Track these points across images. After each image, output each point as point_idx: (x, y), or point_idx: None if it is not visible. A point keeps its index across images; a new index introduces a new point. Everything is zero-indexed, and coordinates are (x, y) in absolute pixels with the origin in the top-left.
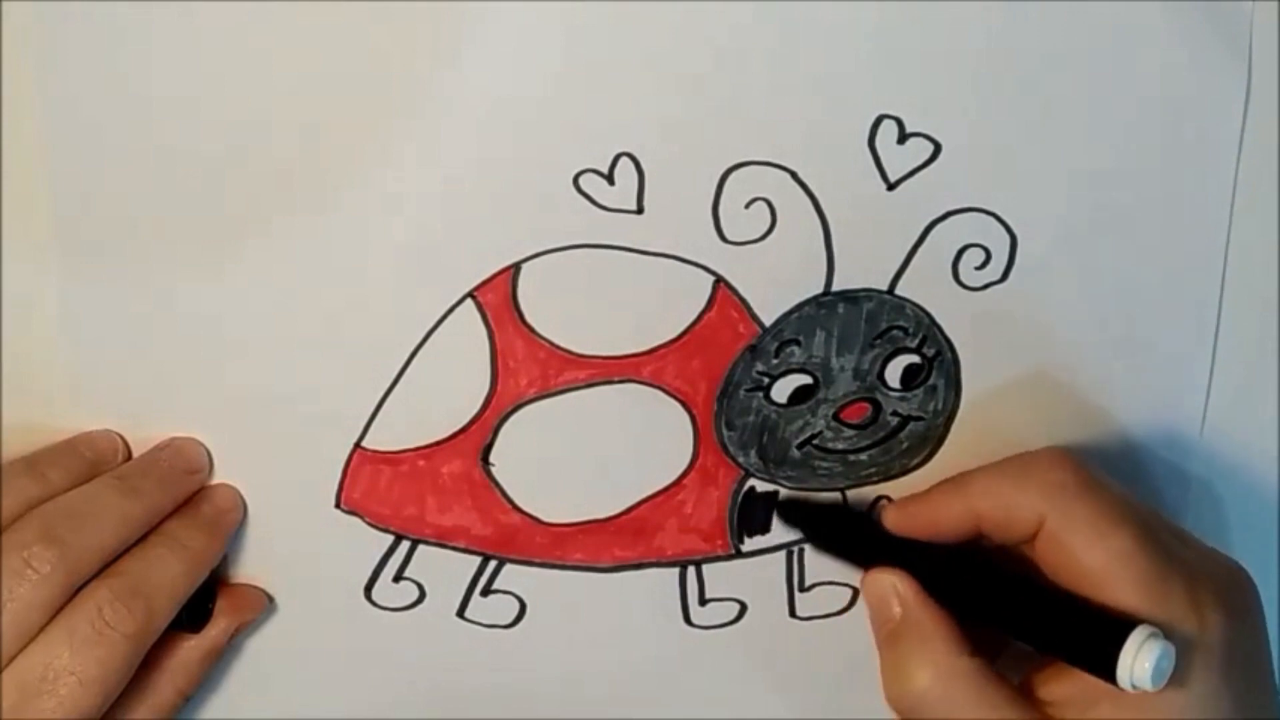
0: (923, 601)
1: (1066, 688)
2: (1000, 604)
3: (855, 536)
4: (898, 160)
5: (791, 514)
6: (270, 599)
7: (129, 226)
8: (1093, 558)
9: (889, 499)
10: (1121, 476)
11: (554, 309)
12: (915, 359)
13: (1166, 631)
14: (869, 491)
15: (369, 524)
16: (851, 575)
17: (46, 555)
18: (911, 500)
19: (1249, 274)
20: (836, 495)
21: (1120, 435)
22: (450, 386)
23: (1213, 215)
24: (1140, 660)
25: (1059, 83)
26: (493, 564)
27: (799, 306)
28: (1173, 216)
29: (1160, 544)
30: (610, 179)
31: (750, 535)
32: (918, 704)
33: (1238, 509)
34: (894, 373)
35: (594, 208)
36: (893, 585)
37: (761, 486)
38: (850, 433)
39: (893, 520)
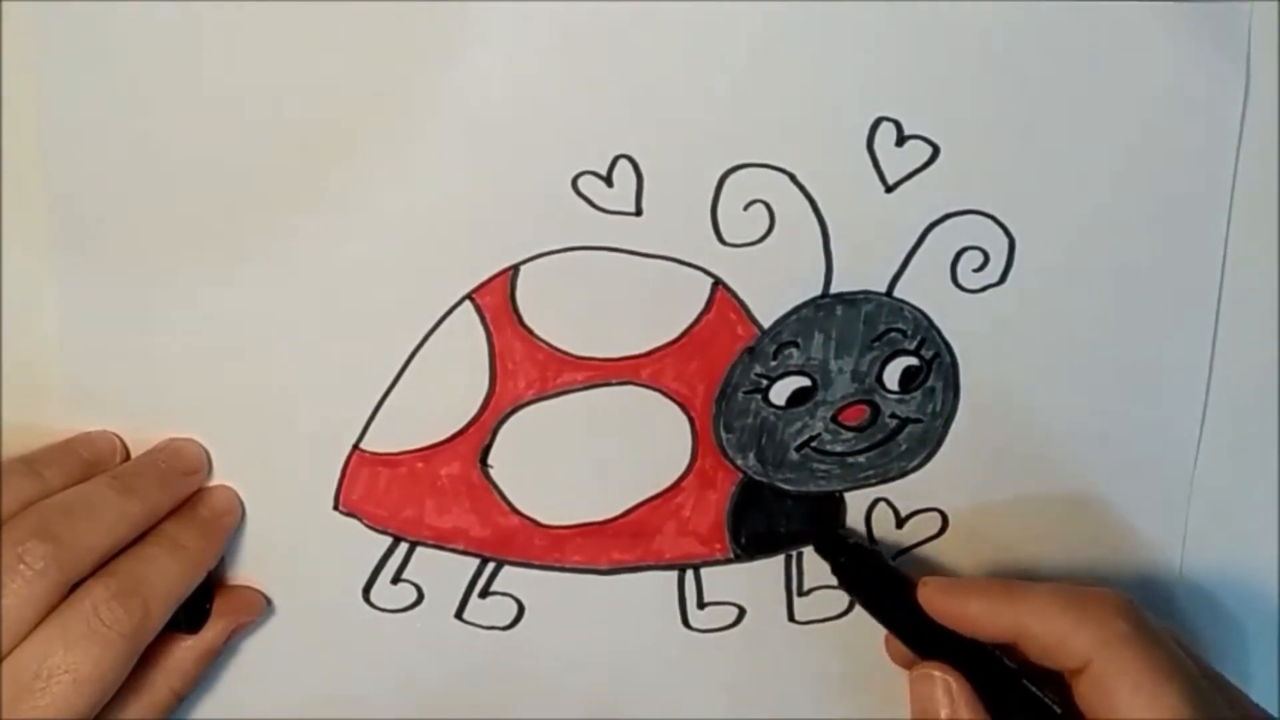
0: (974, 705)
1: None
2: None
3: (892, 598)
4: (896, 162)
5: (847, 574)
6: (268, 600)
7: (128, 228)
8: (1135, 711)
9: (922, 580)
10: (1119, 478)
11: (553, 311)
12: (914, 361)
13: None
14: (868, 493)
15: (367, 526)
16: None
17: (41, 552)
18: (953, 589)
19: (1248, 274)
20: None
21: (1119, 435)
22: (449, 388)
23: (1211, 216)
24: None
25: (1057, 85)
26: (491, 566)
27: (797, 308)
28: (1171, 218)
29: (1206, 706)
30: (609, 181)
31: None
32: None
33: (1238, 509)
34: (892, 375)
35: (592, 210)
36: (945, 685)
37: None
38: (849, 435)
39: (930, 602)
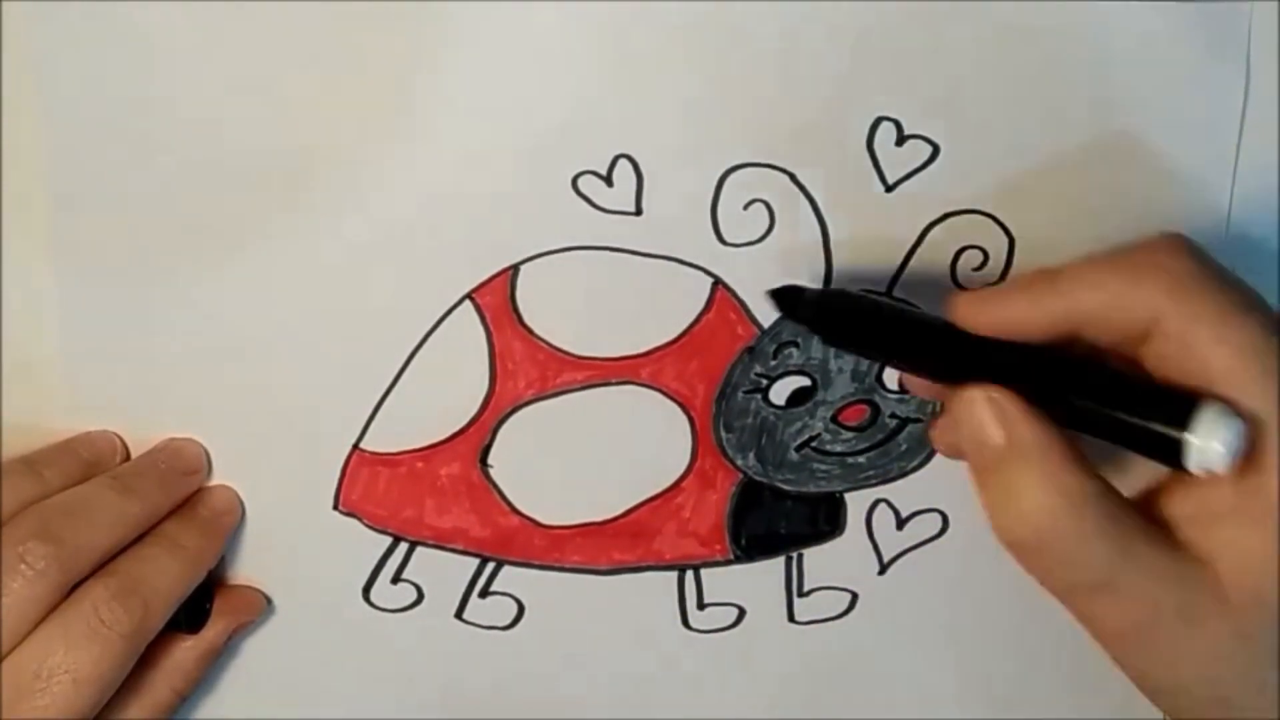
0: (1033, 419)
1: (1185, 504)
2: (1089, 394)
3: (894, 333)
4: (896, 162)
5: (807, 309)
6: (268, 600)
7: (128, 228)
8: (1219, 354)
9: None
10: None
11: (552, 311)
12: None
13: None
14: (868, 493)
15: (367, 525)
16: (852, 580)
17: (41, 551)
18: (990, 293)
19: (1247, 275)
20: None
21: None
22: (449, 388)
23: (1210, 216)
24: (1211, 442)
25: (1057, 84)
26: (491, 566)
27: None
28: (1170, 218)
29: None
30: (609, 181)
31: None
32: (1038, 532)
33: None
34: (892, 375)
35: (592, 209)
36: (988, 404)
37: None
38: (849, 435)
39: (965, 315)
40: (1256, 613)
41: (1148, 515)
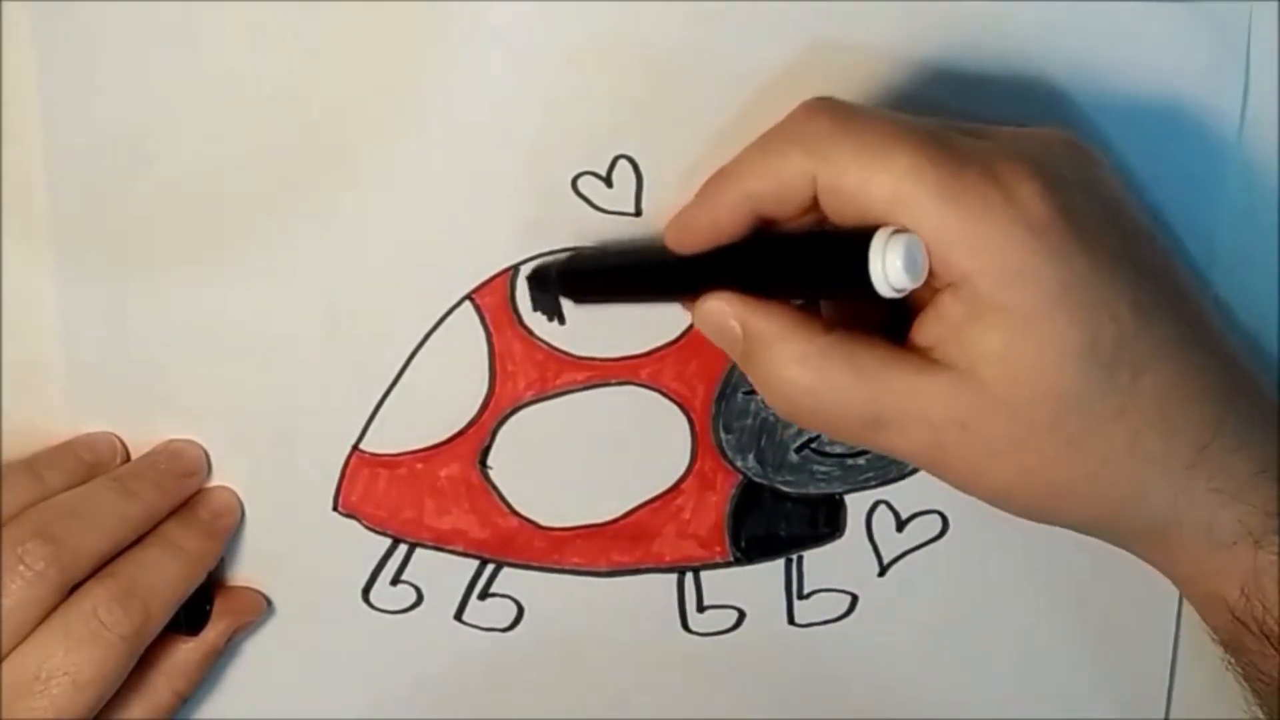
0: (755, 306)
1: (933, 329)
2: (778, 265)
3: (626, 275)
4: None
5: (549, 283)
6: (268, 601)
7: (128, 228)
8: (876, 190)
9: None
10: None
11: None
12: None
13: (975, 219)
14: (868, 495)
15: (367, 527)
16: (852, 582)
17: (41, 553)
18: (684, 212)
19: (1247, 277)
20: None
21: None
22: (448, 389)
23: (1210, 216)
24: (890, 261)
25: (1057, 83)
26: (490, 567)
27: None
28: (1170, 217)
29: (948, 146)
30: (608, 181)
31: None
32: (801, 401)
33: None
34: None
35: (592, 210)
36: (719, 309)
37: None
38: None
39: (675, 238)
40: (1032, 400)
41: (910, 352)
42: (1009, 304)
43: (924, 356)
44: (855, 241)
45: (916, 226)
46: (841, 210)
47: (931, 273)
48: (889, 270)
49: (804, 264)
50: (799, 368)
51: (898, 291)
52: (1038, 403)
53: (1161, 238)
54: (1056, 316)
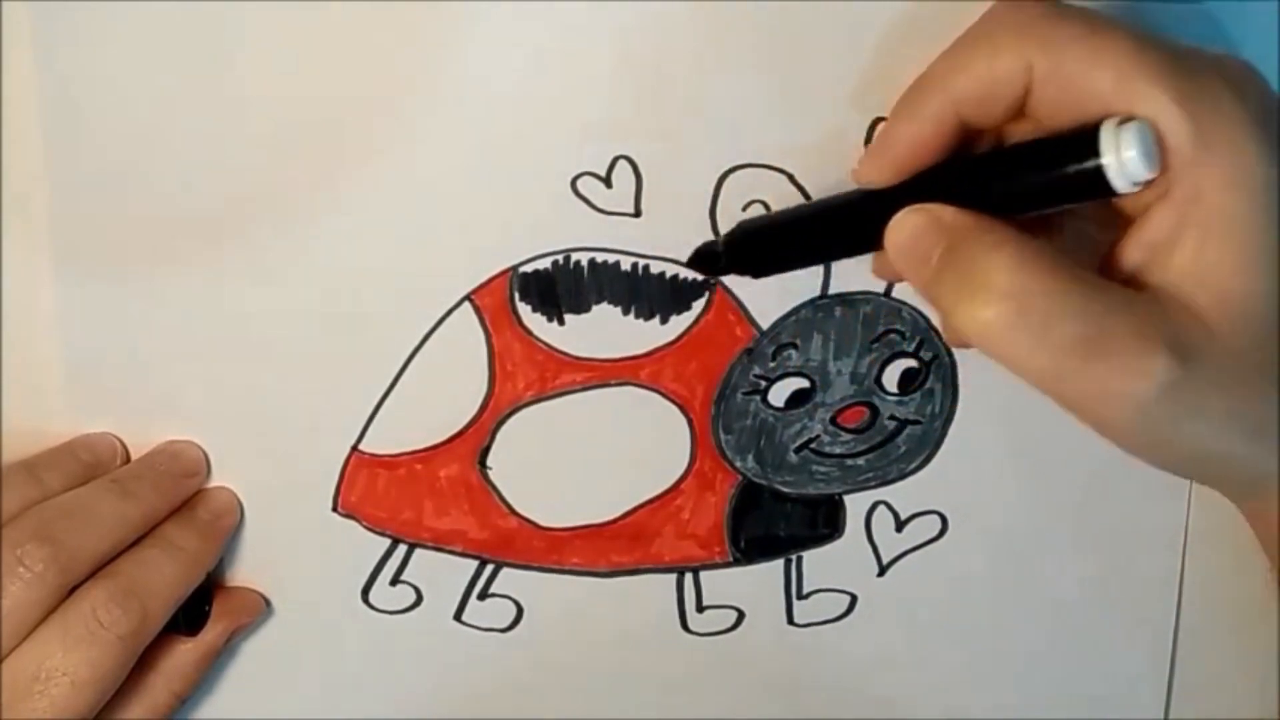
0: (962, 212)
1: (1136, 255)
2: (994, 176)
3: (811, 229)
4: None
5: (722, 256)
6: (267, 602)
7: (128, 228)
8: (1099, 76)
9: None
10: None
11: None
12: (913, 363)
13: (1207, 111)
14: (868, 495)
15: (366, 527)
16: (851, 582)
17: (40, 554)
18: (878, 138)
19: None
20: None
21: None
22: (447, 390)
23: None
24: (1125, 150)
25: None
26: (490, 568)
27: (796, 310)
28: None
29: (1165, 39)
30: (608, 182)
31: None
32: (1019, 298)
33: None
34: (891, 377)
35: (592, 210)
36: (924, 210)
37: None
38: (847, 437)
39: (870, 168)
40: (1239, 319)
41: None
42: (1232, 208)
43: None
44: (1083, 135)
45: (1147, 115)
46: (1059, 105)
47: (1146, 185)
48: (1124, 160)
49: (1024, 171)
50: (1013, 258)
51: (1136, 185)
52: (1248, 324)
53: None
54: (1273, 226)
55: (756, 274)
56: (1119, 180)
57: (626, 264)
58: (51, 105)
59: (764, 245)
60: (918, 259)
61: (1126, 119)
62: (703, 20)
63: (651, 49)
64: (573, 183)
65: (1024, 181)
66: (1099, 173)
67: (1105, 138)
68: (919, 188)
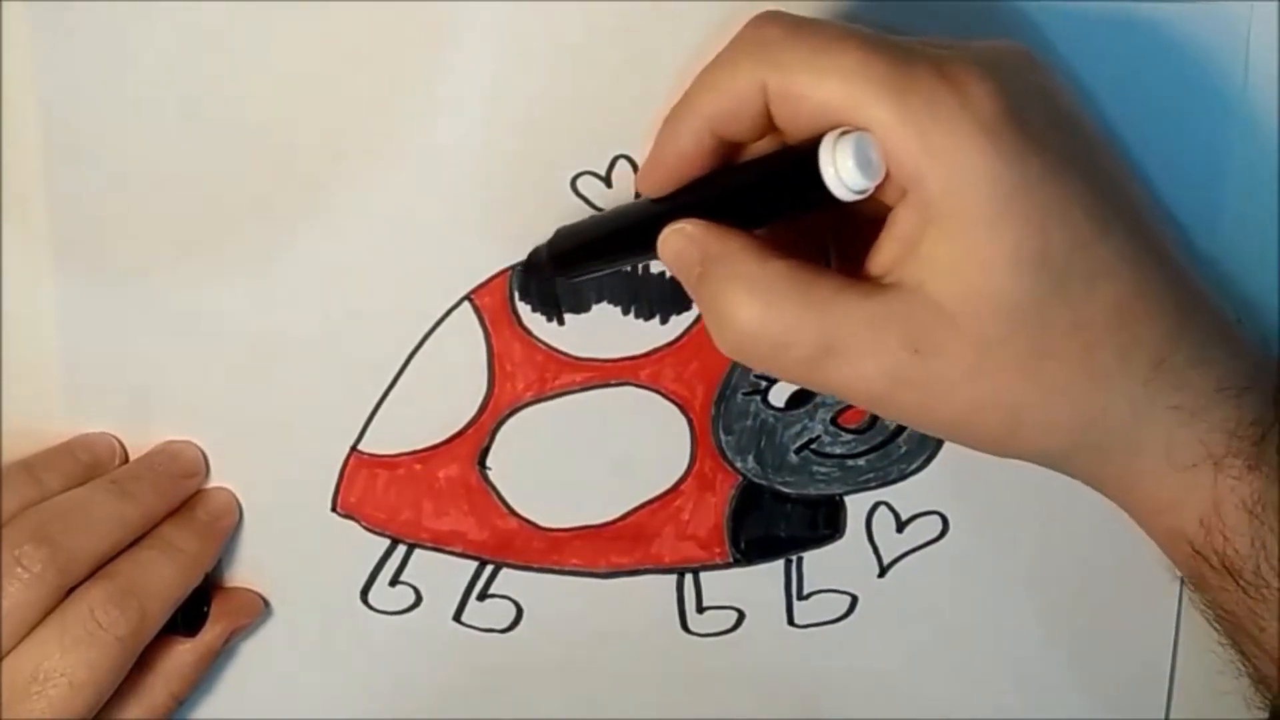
0: (713, 228)
1: (888, 252)
2: (735, 185)
3: (607, 236)
4: None
5: (543, 263)
6: (266, 603)
7: (128, 229)
8: (825, 91)
9: None
10: None
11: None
12: None
13: (927, 117)
14: (868, 496)
15: (365, 528)
16: (852, 583)
17: (38, 555)
18: (650, 152)
19: (1247, 275)
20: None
21: None
22: (447, 390)
23: (1209, 216)
24: (841, 161)
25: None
26: (489, 568)
27: None
28: (1169, 215)
29: (899, 47)
30: (608, 181)
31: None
32: (746, 330)
33: None
34: None
35: (592, 210)
36: (678, 230)
37: None
38: (848, 437)
39: (644, 179)
40: (982, 313)
41: (863, 282)
42: (959, 207)
43: (877, 284)
44: (806, 147)
45: (868, 126)
46: (796, 120)
47: (882, 188)
48: (841, 170)
49: (760, 180)
50: (746, 294)
51: (856, 193)
52: (989, 316)
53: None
54: (1008, 220)
55: (570, 277)
56: (838, 189)
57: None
58: (51, 106)
59: (572, 250)
60: (682, 277)
61: (847, 131)
62: (703, 19)
63: (652, 49)
64: (573, 182)
65: (760, 195)
66: (821, 183)
67: (824, 150)
68: (685, 199)
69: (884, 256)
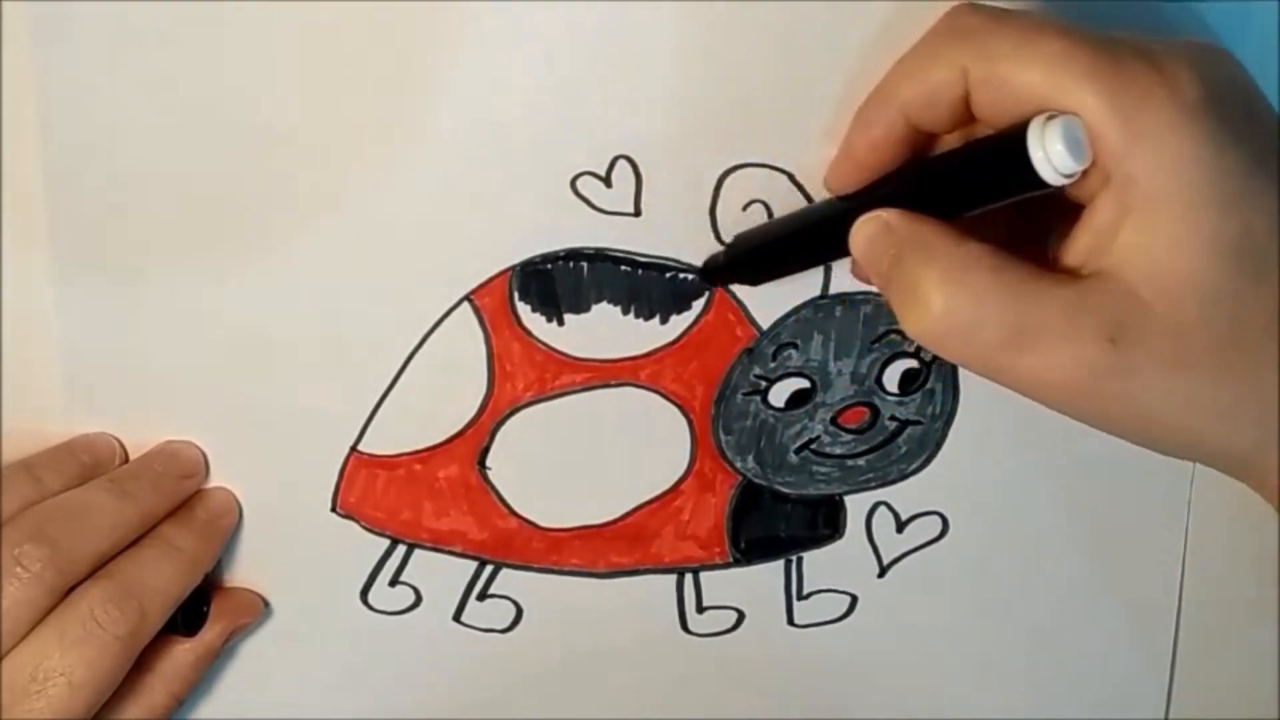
0: (909, 214)
1: (1082, 242)
2: (938, 176)
3: (792, 238)
4: None
5: (721, 267)
6: (266, 603)
7: (127, 229)
8: (1030, 76)
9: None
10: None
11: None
12: (913, 363)
13: (1133, 101)
14: (868, 496)
15: (365, 528)
16: (851, 583)
17: (37, 554)
18: (841, 145)
19: None
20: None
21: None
22: (447, 390)
23: None
24: (1050, 144)
25: None
26: (489, 568)
27: (796, 310)
28: None
29: (1101, 34)
30: (608, 181)
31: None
32: (939, 315)
33: (1238, 514)
34: (892, 377)
35: (591, 210)
36: (874, 218)
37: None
38: (848, 437)
39: (835, 175)
40: (1180, 300)
41: (1058, 271)
42: (1162, 190)
43: (1074, 274)
44: (1013, 133)
45: (1074, 110)
46: (997, 106)
47: (1083, 178)
48: (1051, 153)
49: (963, 165)
50: (941, 274)
51: (1064, 176)
52: (1185, 300)
53: None
54: (1210, 205)
55: (754, 282)
56: (1048, 173)
57: (626, 264)
58: (51, 105)
59: (757, 255)
60: (873, 265)
61: (1054, 115)
62: (703, 19)
63: (652, 48)
64: (573, 183)
65: (964, 181)
66: (1029, 167)
67: (1033, 134)
68: (879, 192)
69: (1079, 248)
